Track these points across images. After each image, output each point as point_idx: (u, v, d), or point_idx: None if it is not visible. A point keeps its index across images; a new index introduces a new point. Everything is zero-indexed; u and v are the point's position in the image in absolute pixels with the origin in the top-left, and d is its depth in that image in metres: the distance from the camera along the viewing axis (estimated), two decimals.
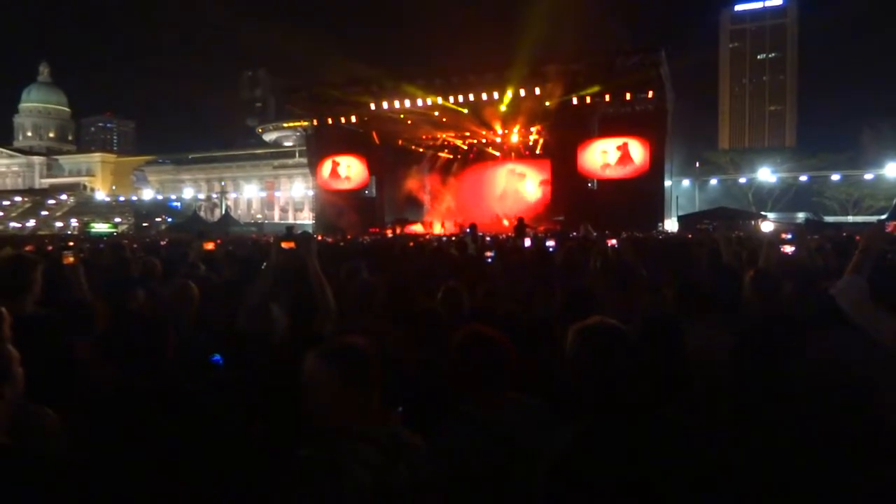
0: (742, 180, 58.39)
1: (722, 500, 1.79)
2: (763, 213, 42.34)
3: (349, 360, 1.92)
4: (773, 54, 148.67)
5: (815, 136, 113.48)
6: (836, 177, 53.71)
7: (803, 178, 55.30)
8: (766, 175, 56.82)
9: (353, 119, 30.75)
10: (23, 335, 2.39)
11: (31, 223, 70.36)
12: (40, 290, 3.16)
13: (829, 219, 45.01)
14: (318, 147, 34.46)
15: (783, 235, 5.32)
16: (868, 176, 52.26)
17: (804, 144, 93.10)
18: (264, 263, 3.83)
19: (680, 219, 33.48)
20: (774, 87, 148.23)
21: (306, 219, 62.98)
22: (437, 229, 30.20)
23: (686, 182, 53.70)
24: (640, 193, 26.04)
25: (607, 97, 26.16)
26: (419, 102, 27.85)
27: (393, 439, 1.85)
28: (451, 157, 35.66)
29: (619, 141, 27.47)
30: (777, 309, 3.49)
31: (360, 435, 1.81)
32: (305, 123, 35.28)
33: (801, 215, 44.55)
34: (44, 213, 76.76)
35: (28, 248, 9.32)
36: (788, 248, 5.32)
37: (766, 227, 26.28)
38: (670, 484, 1.71)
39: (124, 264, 5.41)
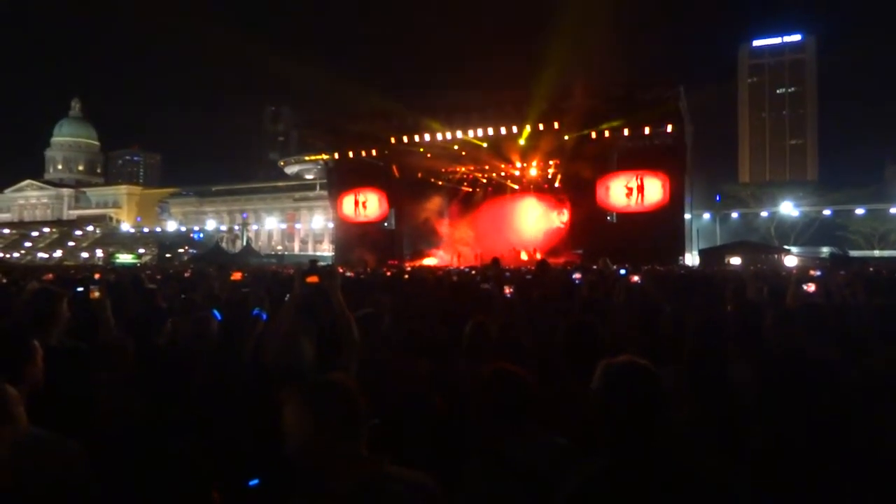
0: (764, 214, 57.72)
1: None
2: (786, 247, 41.74)
3: (324, 400, 1.80)
4: (792, 88, 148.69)
5: (838, 169, 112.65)
6: (860, 210, 52.89)
7: (826, 211, 54.53)
8: (789, 209, 56.17)
9: (374, 152, 31.21)
10: (47, 366, 2.41)
11: (58, 254, 71.78)
12: (67, 323, 3.20)
13: (855, 253, 44.16)
14: (339, 180, 34.94)
15: (811, 272, 5.20)
16: (893, 210, 51.46)
17: (826, 178, 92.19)
18: (287, 296, 3.85)
19: (701, 252, 33.14)
20: (795, 121, 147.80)
21: (326, 251, 63.46)
22: (467, 260, 30.12)
23: (707, 215, 53.23)
24: (660, 227, 25.94)
25: (626, 131, 26.29)
26: (439, 137, 28.20)
27: (371, 493, 1.71)
28: (470, 190, 35.86)
29: (639, 174, 27.49)
30: (798, 347, 3.42)
31: (327, 487, 1.69)
32: (326, 157, 35.86)
33: (825, 249, 43.82)
34: (70, 243, 78.32)
35: (47, 277, 9.48)
36: (811, 287, 5.18)
37: (790, 261, 25.91)
38: None
39: (150, 297, 5.48)
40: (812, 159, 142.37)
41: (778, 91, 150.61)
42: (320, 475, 1.72)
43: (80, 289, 5.00)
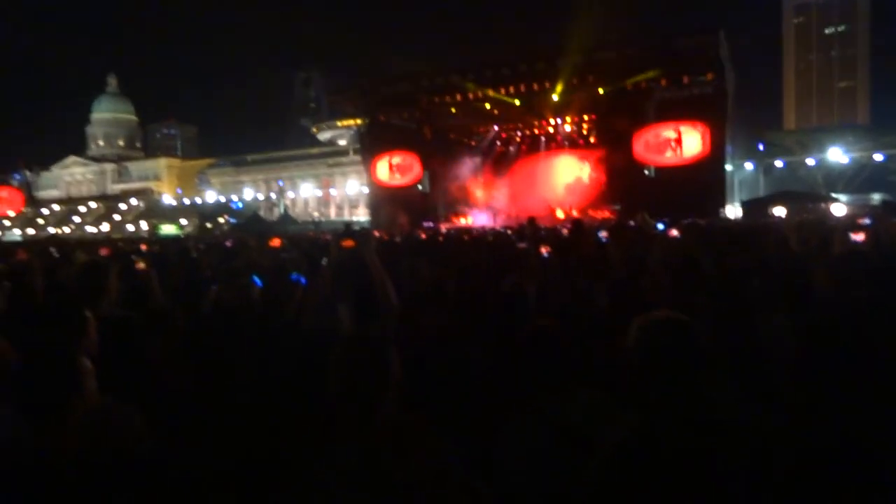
0: (811, 162, 55.30)
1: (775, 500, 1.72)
2: (834, 195, 40.13)
3: (354, 356, 1.83)
4: (841, 27, 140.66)
5: (891, 111, 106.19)
6: None
7: (878, 156, 51.81)
8: (837, 155, 53.52)
9: (405, 115, 31.03)
10: (100, 336, 2.52)
11: (105, 227, 74.23)
12: (118, 294, 3.33)
13: None
14: (372, 144, 34.90)
15: (859, 221, 5.00)
16: None
17: (878, 121, 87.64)
18: (324, 260, 3.92)
19: (744, 204, 32.20)
20: (844, 63, 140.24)
21: (362, 215, 63.97)
22: (503, 220, 30.03)
23: (749, 165, 51.34)
24: (700, 179, 25.16)
25: (663, 81, 25.41)
26: (470, 96, 27.82)
27: (392, 453, 1.72)
28: (504, 149, 35.42)
29: (677, 126, 26.63)
30: (852, 299, 3.31)
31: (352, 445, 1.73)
32: (358, 121, 35.80)
33: (876, 196, 42.02)
34: (116, 217, 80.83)
35: (104, 251, 9.82)
36: (859, 237, 4.97)
37: (838, 209, 24.97)
38: (724, 482, 1.66)
39: (194, 266, 5.64)
40: (863, 102, 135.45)
41: (826, 31, 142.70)
42: (349, 433, 1.76)
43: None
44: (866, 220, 5.04)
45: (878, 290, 3.06)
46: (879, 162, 51.88)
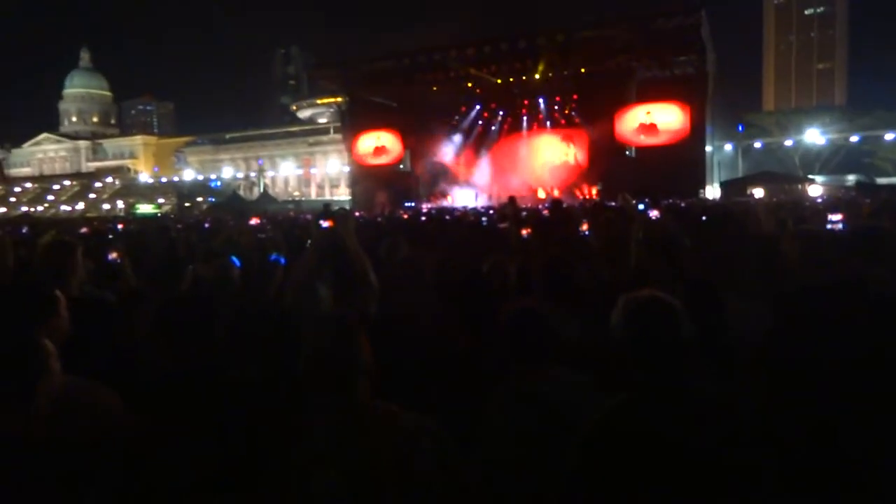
0: (788, 143, 55.84)
1: (754, 482, 1.74)
2: (811, 176, 40.69)
3: (321, 336, 1.83)
4: (821, 9, 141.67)
5: (867, 93, 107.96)
6: (889, 136, 50.89)
7: (854, 138, 52.52)
8: (815, 136, 54.16)
9: (386, 93, 30.71)
10: (73, 317, 2.46)
11: (81, 206, 72.78)
12: (87, 273, 3.25)
13: (882, 180, 42.98)
14: (352, 123, 34.56)
15: (836, 202, 5.07)
16: None
17: (855, 103, 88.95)
18: (308, 241, 3.88)
19: (723, 185, 32.54)
20: (823, 44, 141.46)
21: (343, 195, 63.47)
22: (484, 200, 29.97)
23: (729, 146, 51.76)
24: (681, 160, 25.37)
25: (645, 61, 25.44)
26: (452, 74, 27.60)
27: (360, 436, 1.72)
28: (485, 128, 35.26)
29: (658, 106, 26.71)
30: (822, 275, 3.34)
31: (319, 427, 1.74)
32: (339, 99, 35.38)
33: (851, 178, 42.69)
34: (91, 195, 79.26)
35: (84, 230, 9.62)
36: (837, 217, 5.03)
37: (814, 190, 25.33)
38: (702, 463, 1.68)
39: (173, 246, 5.56)
40: (840, 84, 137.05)
41: (806, 12, 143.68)
42: (322, 414, 1.76)
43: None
44: (843, 202, 5.12)
45: (845, 270, 3.10)
46: (855, 143, 52.63)
